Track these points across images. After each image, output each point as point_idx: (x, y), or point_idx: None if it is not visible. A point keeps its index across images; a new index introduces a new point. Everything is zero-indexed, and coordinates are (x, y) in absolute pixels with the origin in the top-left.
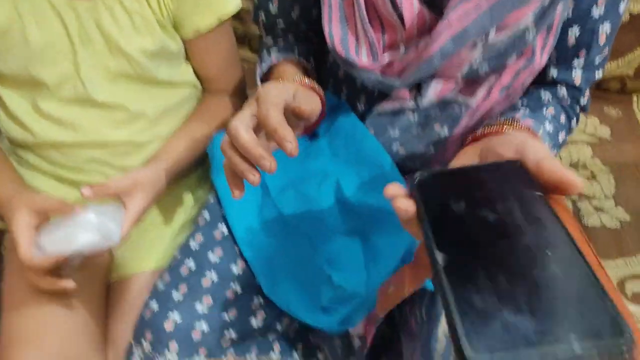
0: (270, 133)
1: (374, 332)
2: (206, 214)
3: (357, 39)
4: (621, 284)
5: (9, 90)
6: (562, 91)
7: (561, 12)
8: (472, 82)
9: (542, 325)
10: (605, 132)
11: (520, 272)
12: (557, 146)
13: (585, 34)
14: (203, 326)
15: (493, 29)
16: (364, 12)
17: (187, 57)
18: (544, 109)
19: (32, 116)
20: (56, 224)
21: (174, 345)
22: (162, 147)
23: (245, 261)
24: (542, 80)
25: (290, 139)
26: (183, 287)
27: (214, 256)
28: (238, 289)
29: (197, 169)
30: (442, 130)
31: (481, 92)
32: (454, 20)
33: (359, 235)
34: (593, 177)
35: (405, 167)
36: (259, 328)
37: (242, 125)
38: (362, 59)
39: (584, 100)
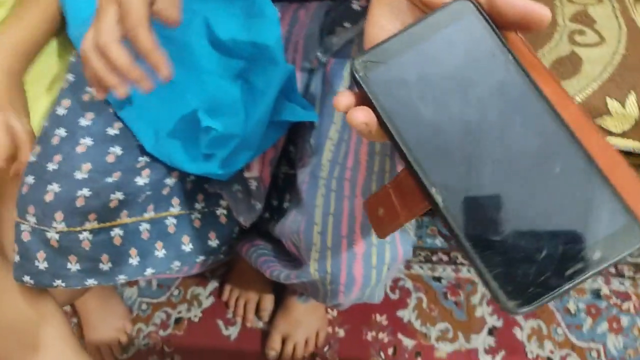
0: (141, 53)
1: (270, 171)
2: (70, 77)
3: None
4: None
5: None
6: None
7: None
8: None
9: (564, 248)
10: None
11: (523, 185)
12: None
13: None
14: (85, 192)
15: None
16: None
17: None
18: None
19: None
20: None
21: (59, 215)
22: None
23: (122, 121)
24: None
25: (165, 63)
26: (57, 157)
27: (85, 120)
28: (118, 150)
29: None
30: None
31: None
32: None
33: (237, 77)
34: None
35: None
36: (146, 184)
37: (115, 41)
38: None
39: None
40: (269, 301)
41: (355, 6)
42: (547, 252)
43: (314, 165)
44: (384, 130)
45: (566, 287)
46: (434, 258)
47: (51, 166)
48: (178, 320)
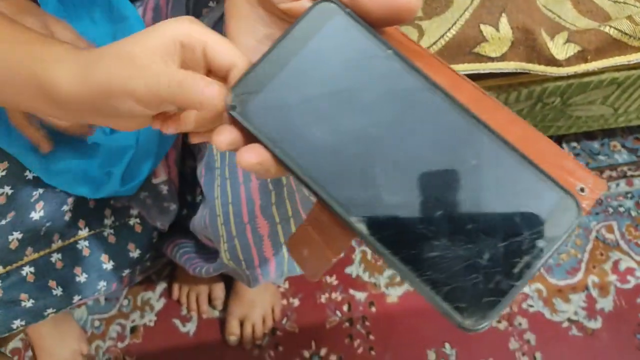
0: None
1: (177, 171)
2: None
3: None
4: None
5: None
6: None
7: None
8: None
9: (505, 244)
10: None
11: (444, 189)
12: None
13: None
14: None
15: None
16: None
17: None
18: None
19: None
20: None
21: None
22: None
23: (9, 157)
24: None
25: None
26: None
27: None
28: (7, 190)
29: None
30: None
31: None
32: None
33: None
34: None
35: None
36: (42, 217)
37: None
38: None
39: None
40: (219, 289)
41: None
42: (490, 255)
43: (207, 156)
44: (282, 165)
45: (520, 283)
46: None
47: None
48: (134, 329)
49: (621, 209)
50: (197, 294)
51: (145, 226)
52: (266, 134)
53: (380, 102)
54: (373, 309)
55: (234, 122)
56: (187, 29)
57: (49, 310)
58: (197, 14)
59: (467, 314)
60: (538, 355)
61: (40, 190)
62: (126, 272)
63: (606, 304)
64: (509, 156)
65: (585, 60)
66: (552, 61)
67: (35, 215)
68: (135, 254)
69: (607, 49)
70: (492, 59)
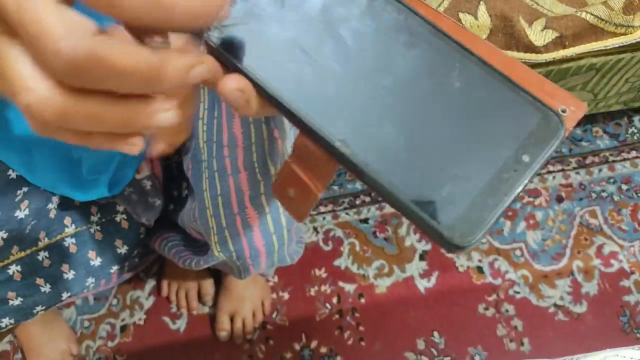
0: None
1: (160, 165)
2: None
3: None
4: None
5: None
6: None
7: None
8: None
9: (492, 164)
10: None
11: (428, 109)
12: None
13: None
14: None
15: None
16: None
17: None
18: None
19: None
20: None
21: None
22: None
23: None
24: None
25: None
26: None
27: None
28: None
29: None
30: None
31: None
32: None
33: None
34: None
35: None
36: (27, 216)
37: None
38: None
39: None
40: (209, 285)
41: None
42: (476, 170)
43: (193, 149)
44: (263, 95)
45: (507, 200)
46: (357, 201)
47: None
48: (124, 328)
49: (604, 194)
50: (186, 291)
51: (132, 222)
52: (247, 62)
53: (361, 30)
54: (362, 300)
55: (214, 56)
56: None
57: (38, 308)
58: None
59: (455, 230)
60: (525, 340)
61: (25, 189)
62: (114, 268)
63: (591, 288)
64: (492, 77)
65: (564, 47)
66: (531, 48)
67: (20, 214)
68: (122, 250)
69: (584, 35)
70: None
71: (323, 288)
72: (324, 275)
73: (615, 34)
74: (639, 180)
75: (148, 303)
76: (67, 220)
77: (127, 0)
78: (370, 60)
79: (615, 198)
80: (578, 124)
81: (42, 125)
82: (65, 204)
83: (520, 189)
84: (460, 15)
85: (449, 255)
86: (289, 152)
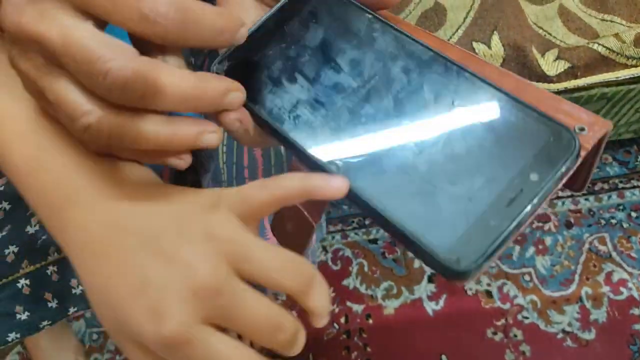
0: None
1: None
2: None
3: None
4: None
5: None
6: None
7: None
8: None
9: (496, 183)
10: None
11: (428, 131)
12: None
13: None
14: None
15: None
16: None
17: None
18: None
19: None
20: None
21: None
22: None
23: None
24: None
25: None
26: None
27: None
28: (5, 206)
29: None
30: None
31: None
32: None
33: None
34: None
35: None
36: (38, 231)
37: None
38: None
39: None
40: None
41: None
42: (478, 191)
43: (213, 170)
44: (261, 124)
45: (513, 223)
46: (367, 222)
47: None
48: None
49: (613, 221)
50: None
51: None
52: (247, 95)
53: (363, 58)
54: (370, 321)
55: None
56: None
57: (44, 323)
58: None
59: (454, 254)
60: None
61: None
62: None
63: (600, 315)
64: (497, 98)
65: (575, 77)
66: (543, 77)
67: (31, 229)
68: None
69: (596, 66)
70: None
71: (331, 307)
72: (332, 294)
73: (626, 66)
74: None
75: None
76: None
77: (160, 16)
78: (373, 89)
79: (625, 225)
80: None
81: (99, 145)
82: None
83: (527, 210)
84: (474, 44)
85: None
86: None
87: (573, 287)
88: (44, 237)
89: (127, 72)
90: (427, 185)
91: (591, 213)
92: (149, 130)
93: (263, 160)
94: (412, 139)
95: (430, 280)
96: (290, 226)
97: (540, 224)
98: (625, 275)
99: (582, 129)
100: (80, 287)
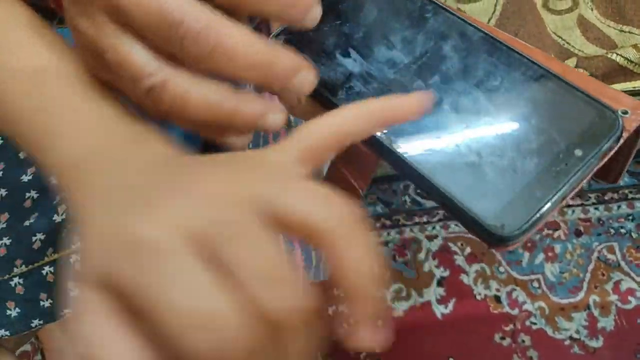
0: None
1: None
2: None
3: None
4: None
5: None
6: None
7: None
8: None
9: (541, 155)
10: None
11: (477, 105)
12: None
13: None
14: (6, 241)
15: None
16: None
17: None
18: None
19: None
20: None
21: None
22: None
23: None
24: None
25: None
26: None
27: None
28: (34, 194)
29: None
30: None
31: None
32: None
33: None
34: None
35: None
36: (64, 220)
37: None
38: None
39: None
40: None
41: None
42: (525, 163)
43: None
44: (315, 97)
45: (556, 193)
46: (378, 224)
47: None
48: None
49: (622, 231)
50: None
51: None
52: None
53: (415, 36)
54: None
55: None
56: None
57: (66, 310)
58: None
59: (499, 220)
60: None
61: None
62: None
63: (607, 323)
64: (547, 77)
65: None
66: None
67: (58, 218)
68: None
69: (614, 75)
70: None
71: (341, 308)
72: (342, 295)
73: None
74: None
75: None
76: None
77: None
78: (422, 63)
79: (634, 235)
80: None
81: (160, 111)
82: None
83: (570, 182)
84: None
85: (467, 282)
86: None
87: (581, 294)
88: (69, 227)
89: (201, 23)
90: (475, 156)
91: (600, 222)
92: (213, 98)
93: None
94: (462, 113)
95: (439, 284)
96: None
97: (550, 232)
98: (634, 285)
99: (625, 112)
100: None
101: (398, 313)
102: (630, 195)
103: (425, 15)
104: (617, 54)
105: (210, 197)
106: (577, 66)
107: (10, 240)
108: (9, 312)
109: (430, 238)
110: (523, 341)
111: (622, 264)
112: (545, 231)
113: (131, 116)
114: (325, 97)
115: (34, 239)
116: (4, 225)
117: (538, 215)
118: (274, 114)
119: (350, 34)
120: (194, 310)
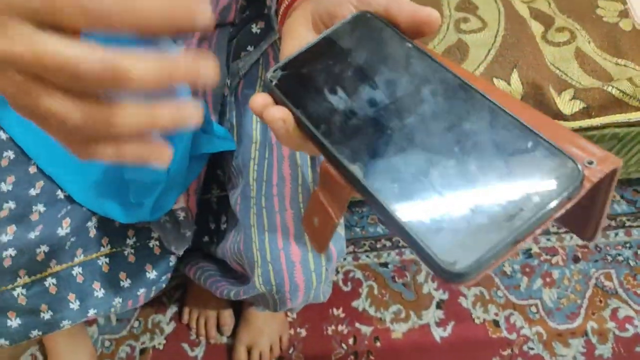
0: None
1: (196, 200)
2: None
3: None
4: None
5: None
6: None
7: None
8: None
9: (499, 199)
10: None
11: (445, 146)
12: None
13: None
14: (11, 252)
15: None
16: None
17: None
18: None
19: None
20: None
21: None
22: None
23: (45, 177)
24: None
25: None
26: None
27: (5, 185)
28: (40, 208)
29: None
30: None
31: None
32: None
33: None
34: None
35: None
36: (68, 234)
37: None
38: None
39: None
40: (228, 316)
41: (255, 30)
42: (482, 204)
43: (243, 186)
44: (300, 127)
45: (509, 237)
46: (378, 245)
47: None
48: (143, 351)
49: (620, 258)
50: (205, 319)
51: (164, 250)
52: (291, 98)
53: (397, 79)
54: (378, 344)
55: (270, 93)
56: None
57: (65, 322)
58: (236, 57)
59: (450, 256)
60: None
61: (68, 207)
62: (141, 291)
63: (605, 350)
64: (512, 124)
65: (590, 116)
66: (559, 115)
67: (62, 231)
68: (152, 274)
69: (610, 107)
70: None
71: (340, 328)
72: (342, 315)
73: (638, 108)
74: None
75: (169, 328)
76: (105, 241)
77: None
78: (399, 108)
79: (632, 263)
80: None
81: (88, 142)
82: (104, 225)
83: (524, 228)
84: (495, 80)
85: (466, 305)
86: None
87: (579, 320)
88: (73, 239)
89: (95, 64)
90: (436, 193)
91: (598, 249)
92: (129, 113)
93: (291, 179)
94: (431, 152)
95: (438, 306)
96: (316, 220)
97: (548, 257)
98: (632, 313)
99: (590, 162)
100: (102, 291)
101: (397, 335)
102: (627, 223)
103: (409, 60)
104: (613, 87)
105: None
106: (574, 97)
107: (15, 252)
108: (9, 322)
109: None
110: None
111: (620, 291)
112: (544, 256)
113: None
114: (308, 129)
115: (38, 250)
116: (11, 237)
117: (490, 255)
118: (190, 108)
119: (339, 74)
120: None
